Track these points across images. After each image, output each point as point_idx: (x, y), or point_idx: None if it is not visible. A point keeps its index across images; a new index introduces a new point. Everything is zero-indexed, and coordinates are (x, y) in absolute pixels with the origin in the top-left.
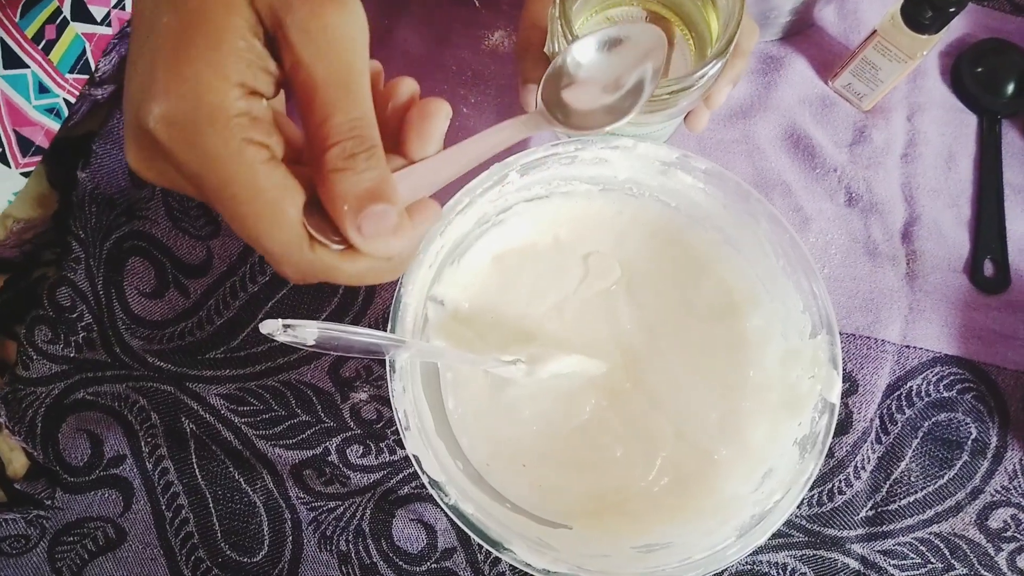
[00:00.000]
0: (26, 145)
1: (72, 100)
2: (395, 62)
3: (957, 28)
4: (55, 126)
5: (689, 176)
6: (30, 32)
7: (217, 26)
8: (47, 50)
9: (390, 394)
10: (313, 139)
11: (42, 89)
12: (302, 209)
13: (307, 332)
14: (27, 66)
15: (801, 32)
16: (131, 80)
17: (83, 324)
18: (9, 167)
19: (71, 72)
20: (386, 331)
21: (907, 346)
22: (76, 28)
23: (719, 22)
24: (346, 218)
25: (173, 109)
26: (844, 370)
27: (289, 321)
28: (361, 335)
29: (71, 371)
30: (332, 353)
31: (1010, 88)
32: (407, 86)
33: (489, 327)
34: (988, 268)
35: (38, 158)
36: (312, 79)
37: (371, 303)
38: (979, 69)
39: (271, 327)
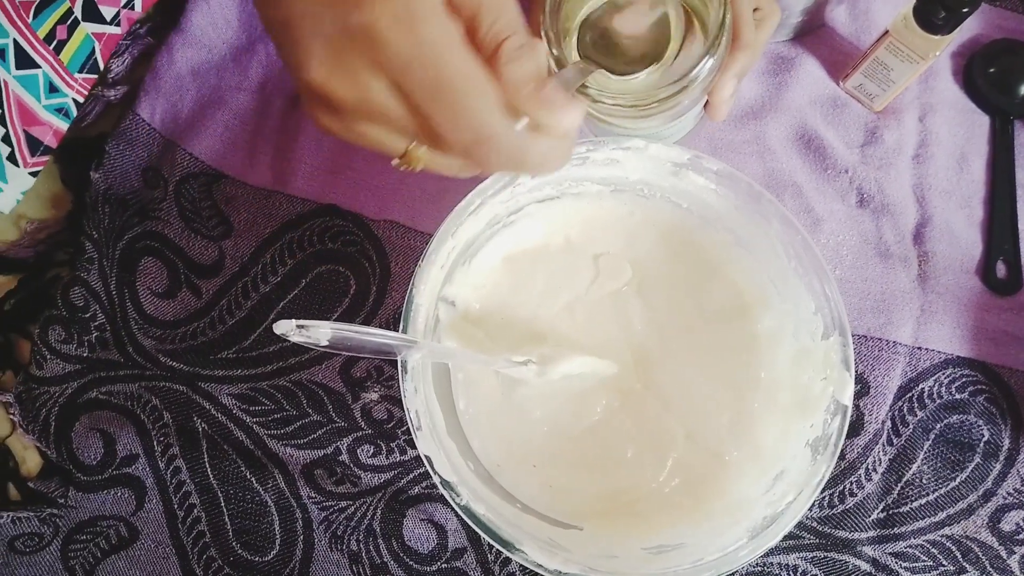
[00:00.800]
0: (35, 145)
1: (81, 100)
2: None
3: (969, 28)
4: (64, 126)
5: (701, 177)
6: (42, 32)
7: None
8: (58, 50)
9: (402, 394)
10: (483, 42)
11: (52, 89)
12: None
13: (320, 332)
14: (39, 66)
15: (812, 32)
16: None
17: (96, 324)
18: (18, 166)
19: (80, 72)
20: (397, 332)
21: (919, 348)
22: (86, 28)
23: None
24: (531, 97)
25: (395, 5)
26: (856, 372)
27: (303, 322)
28: (374, 335)
29: (84, 370)
30: (344, 353)
31: (1022, 89)
32: None
33: (500, 328)
34: (1000, 269)
35: (46, 158)
36: (477, 2)
37: (382, 304)
38: (992, 69)
39: (285, 327)
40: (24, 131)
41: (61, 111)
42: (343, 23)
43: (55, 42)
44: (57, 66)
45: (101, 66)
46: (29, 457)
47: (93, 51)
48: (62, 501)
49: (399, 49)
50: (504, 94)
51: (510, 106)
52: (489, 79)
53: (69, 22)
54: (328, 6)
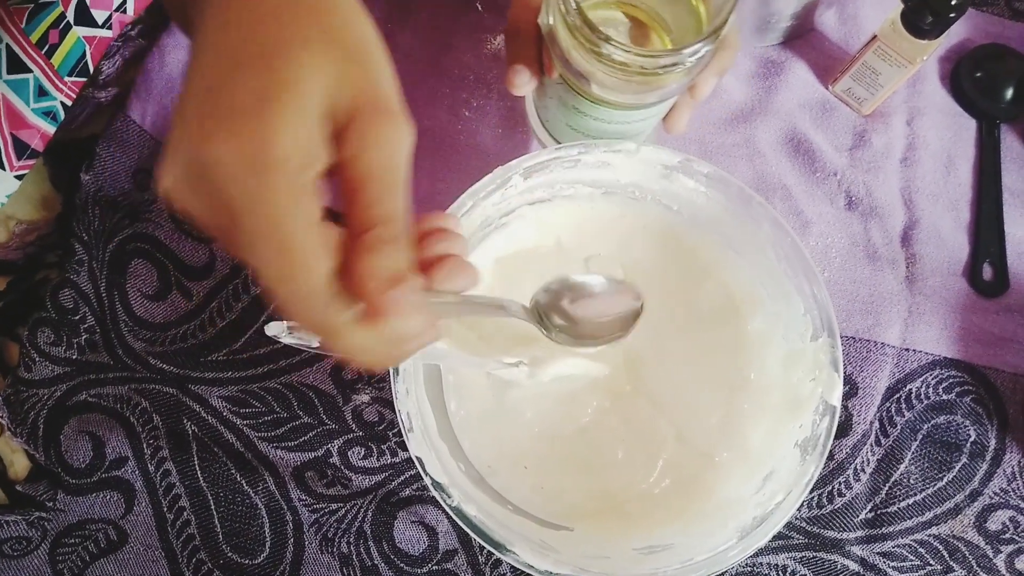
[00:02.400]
0: (22, 148)
1: (69, 103)
2: (399, 65)
3: (957, 33)
4: (51, 129)
5: (691, 180)
6: (34, 37)
7: (301, 98)
8: (49, 54)
9: (393, 396)
10: (354, 220)
11: (41, 92)
12: (330, 271)
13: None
14: (30, 71)
15: (802, 37)
16: (197, 102)
17: (86, 326)
18: (4, 170)
19: (70, 75)
20: None
21: (907, 349)
22: (78, 32)
23: (709, 7)
24: (374, 291)
25: (244, 149)
26: (844, 373)
27: (294, 323)
28: None
29: (73, 373)
30: (335, 355)
31: (1009, 93)
32: (435, 220)
33: (491, 330)
34: (987, 272)
35: (32, 161)
36: (365, 174)
37: None
38: (978, 74)
39: (277, 329)
40: (12, 135)
41: (49, 114)
42: (194, 151)
43: (47, 47)
44: (48, 70)
45: (91, 69)
46: (17, 460)
47: (84, 54)
48: (50, 504)
49: (235, 199)
50: (358, 277)
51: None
52: (327, 252)
53: (61, 26)
54: (190, 125)
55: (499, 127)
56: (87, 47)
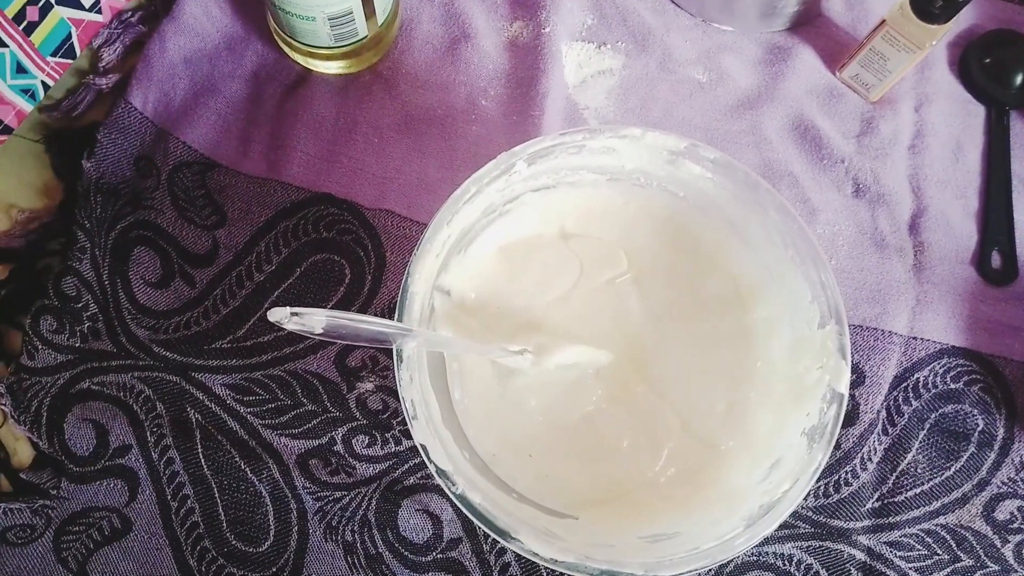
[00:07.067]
0: None
1: (51, 83)
2: (420, 53)
3: (965, 18)
4: (28, 107)
5: (698, 166)
6: (10, 12)
7: None
8: (28, 31)
9: (397, 383)
10: None
11: (20, 70)
12: None
13: (315, 320)
14: (6, 45)
15: (809, 22)
16: None
17: (88, 314)
18: None
19: (53, 55)
20: (393, 320)
21: (914, 337)
22: (61, 12)
23: None
24: None
25: None
26: (851, 361)
27: (297, 309)
28: (369, 323)
29: (76, 361)
30: (339, 342)
31: (1018, 79)
32: None
33: (495, 317)
34: (996, 260)
35: (4, 137)
36: None
37: (377, 293)
38: (987, 60)
39: (279, 315)
40: None
41: (27, 92)
42: None
43: (25, 23)
44: (27, 47)
45: (78, 52)
46: (20, 448)
47: (69, 36)
48: (54, 492)
49: None
50: None
51: None
52: None
53: (40, 4)
54: None
55: (514, 115)
56: (72, 29)
